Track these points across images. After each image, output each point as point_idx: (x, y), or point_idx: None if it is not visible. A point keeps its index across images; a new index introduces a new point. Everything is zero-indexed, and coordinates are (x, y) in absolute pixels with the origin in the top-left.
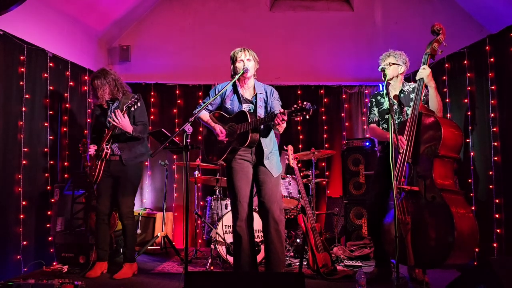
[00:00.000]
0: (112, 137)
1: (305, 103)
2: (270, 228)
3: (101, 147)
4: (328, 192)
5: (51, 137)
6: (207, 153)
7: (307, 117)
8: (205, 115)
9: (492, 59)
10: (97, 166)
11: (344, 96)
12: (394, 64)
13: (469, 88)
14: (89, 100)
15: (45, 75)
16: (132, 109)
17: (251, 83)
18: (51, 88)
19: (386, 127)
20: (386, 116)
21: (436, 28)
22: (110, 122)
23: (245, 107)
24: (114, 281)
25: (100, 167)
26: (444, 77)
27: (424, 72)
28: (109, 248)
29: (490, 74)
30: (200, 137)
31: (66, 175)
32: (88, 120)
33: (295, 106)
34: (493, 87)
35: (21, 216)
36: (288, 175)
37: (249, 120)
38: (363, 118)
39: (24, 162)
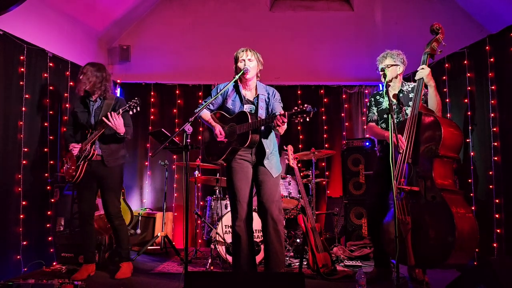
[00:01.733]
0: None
1: (305, 105)
2: (269, 228)
3: (84, 147)
4: (328, 192)
5: (51, 137)
6: (207, 153)
7: (308, 119)
8: (206, 114)
9: (492, 59)
10: (79, 166)
11: (344, 96)
12: (392, 65)
13: (469, 88)
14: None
15: (45, 75)
16: (131, 112)
17: (253, 84)
18: (51, 88)
19: (385, 126)
20: (385, 116)
21: (435, 27)
22: (97, 123)
23: (246, 107)
24: (114, 281)
25: (82, 167)
26: (444, 77)
27: (424, 72)
28: (95, 249)
29: (490, 74)
30: (200, 137)
31: None
32: None
33: (296, 108)
34: (493, 87)
35: (21, 216)
36: (288, 175)
37: (250, 121)
38: (363, 118)
39: (24, 162)
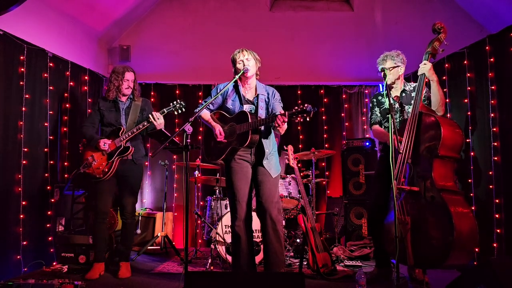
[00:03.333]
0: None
1: (306, 105)
2: (268, 228)
3: (119, 143)
4: (328, 192)
5: (51, 137)
6: (207, 153)
7: (308, 119)
8: (206, 114)
9: (492, 59)
10: (114, 162)
11: (344, 96)
12: (394, 67)
13: (469, 88)
14: (105, 88)
15: (45, 75)
16: (176, 113)
17: (253, 84)
18: (51, 88)
19: (389, 125)
20: (388, 116)
21: (437, 26)
22: (126, 121)
23: (246, 107)
24: (115, 281)
25: (116, 164)
26: (444, 77)
27: (426, 67)
28: (107, 248)
29: (490, 74)
30: (200, 137)
31: (66, 175)
32: None
33: (296, 107)
34: (493, 87)
35: (21, 216)
36: (288, 175)
37: (250, 121)
38: (363, 118)
39: (24, 162)
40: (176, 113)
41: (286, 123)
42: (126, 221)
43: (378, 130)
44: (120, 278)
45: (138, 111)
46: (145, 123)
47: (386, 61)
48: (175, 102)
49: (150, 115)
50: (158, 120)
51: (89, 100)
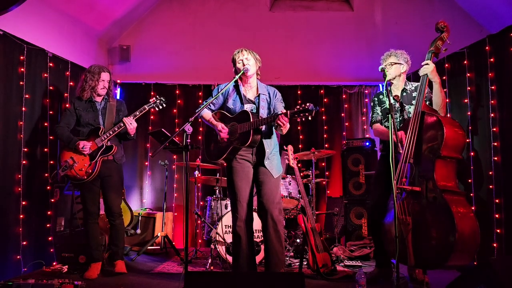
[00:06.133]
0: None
1: (308, 104)
2: (269, 228)
3: (100, 143)
4: (328, 192)
5: (51, 137)
6: (208, 152)
7: (310, 118)
8: (207, 113)
9: (492, 59)
10: (97, 162)
11: (344, 96)
12: (396, 63)
13: (469, 88)
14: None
15: (45, 75)
16: (156, 109)
17: (254, 83)
18: (51, 88)
19: (389, 125)
20: (388, 115)
21: (441, 25)
22: (104, 121)
23: (247, 107)
24: (114, 281)
25: (99, 163)
26: (444, 77)
27: (428, 68)
28: (106, 247)
29: (490, 74)
30: (200, 137)
31: None
32: None
33: (298, 107)
34: (493, 87)
35: (21, 216)
36: (288, 175)
37: (251, 120)
38: (363, 118)
39: (24, 162)
40: (157, 108)
41: (288, 122)
42: (114, 222)
43: (379, 129)
44: (117, 272)
45: (115, 112)
46: (121, 124)
47: (390, 56)
48: (155, 99)
49: (123, 119)
50: (131, 124)
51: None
